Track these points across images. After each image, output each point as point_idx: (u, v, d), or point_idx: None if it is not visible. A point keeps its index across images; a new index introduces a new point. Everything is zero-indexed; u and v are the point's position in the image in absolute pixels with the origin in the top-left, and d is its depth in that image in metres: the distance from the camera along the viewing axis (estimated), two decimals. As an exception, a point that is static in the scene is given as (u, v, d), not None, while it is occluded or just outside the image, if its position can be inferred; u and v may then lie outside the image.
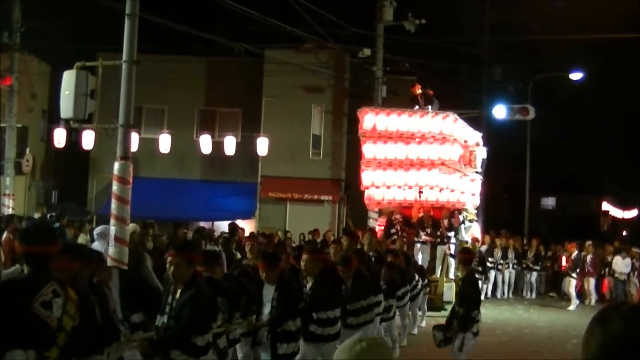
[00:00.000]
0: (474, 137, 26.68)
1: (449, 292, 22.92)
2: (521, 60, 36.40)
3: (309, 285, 10.94)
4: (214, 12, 22.63)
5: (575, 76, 37.41)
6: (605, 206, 68.05)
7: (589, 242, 30.96)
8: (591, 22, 33.54)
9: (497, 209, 37.83)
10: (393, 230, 23.46)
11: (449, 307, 20.64)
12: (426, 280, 19.97)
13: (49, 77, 31.79)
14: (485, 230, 30.53)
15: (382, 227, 24.20)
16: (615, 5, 32.59)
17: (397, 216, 24.15)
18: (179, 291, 8.06)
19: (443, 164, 23.85)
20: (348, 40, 28.59)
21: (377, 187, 24.58)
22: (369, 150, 24.46)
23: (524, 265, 29.55)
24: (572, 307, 26.28)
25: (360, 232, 20.49)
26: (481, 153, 26.89)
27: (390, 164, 24.24)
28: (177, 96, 33.75)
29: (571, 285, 27.26)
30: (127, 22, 16.32)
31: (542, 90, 38.52)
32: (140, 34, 16.56)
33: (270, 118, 32.48)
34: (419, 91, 25.58)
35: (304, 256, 11.06)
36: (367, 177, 24.59)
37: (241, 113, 34.56)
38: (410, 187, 24.15)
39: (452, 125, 24.16)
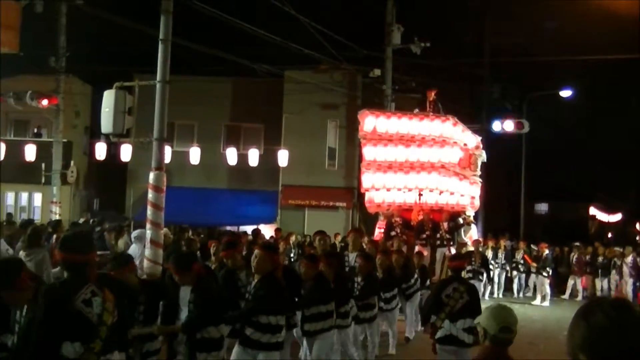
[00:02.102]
0: (474, 140, 25.05)
1: None
2: (518, 79, 36.40)
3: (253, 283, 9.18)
4: (239, 37, 22.58)
5: (565, 93, 37.58)
6: (593, 211, 67.64)
7: (577, 244, 30.77)
8: (580, 44, 33.44)
9: (495, 215, 37.55)
10: (393, 233, 21.47)
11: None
12: (428, 282, 18.31)
13: (91, 97, 31.92)
14: (484, 235, 30.21)
15: (383, 230, 22.35)
16: (602, 30, 32.49)
17: (397, 219, 22.19)
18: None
19: (443, 166, 22.22)
20: (360, 62, 28.55)
21: (377, 190, 22.83)
22: (369, 152, 22.72)
23: (513, 266, 27.87)
24: (544, 303, 25.49)
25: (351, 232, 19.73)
26: (481, 156, 25.54)
27: (390, 167, 22.47)
28: (205, 113, 33.79)
29: (544, 282, 26.41)
30: (160, 47, 16.29)
31: (536, 106, 38.38)
32: (172, 57, 16.51)
33: (289, 132, 32.48)
34: (432, 97, 24.07)
35: (256, 251, 9.23)
36: (367, 179, 22.84)
37: (263, 128, 34.51)
38: (410, 190, 22.47)
39: (452, 128, 22.61)
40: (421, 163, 22.21)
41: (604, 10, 29.33)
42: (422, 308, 13.70)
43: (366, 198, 23.33)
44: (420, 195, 21.99)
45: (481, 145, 25.64)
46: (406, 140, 22.34)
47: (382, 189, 22.74)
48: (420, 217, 22.07)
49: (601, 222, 69.73)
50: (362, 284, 12.57)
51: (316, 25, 23.55)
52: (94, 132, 29.68)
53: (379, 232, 22.45)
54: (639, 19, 29.66)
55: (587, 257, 29.05)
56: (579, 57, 33.22)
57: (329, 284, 10.84)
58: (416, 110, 23.62)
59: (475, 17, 36.20)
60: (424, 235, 21.73)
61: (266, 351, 8.66)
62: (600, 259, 28.34)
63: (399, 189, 22.54)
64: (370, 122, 22.58)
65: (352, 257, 13.84)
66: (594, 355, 2.65)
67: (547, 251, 27.35)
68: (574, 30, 36.63)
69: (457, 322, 10.00)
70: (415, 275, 16.75)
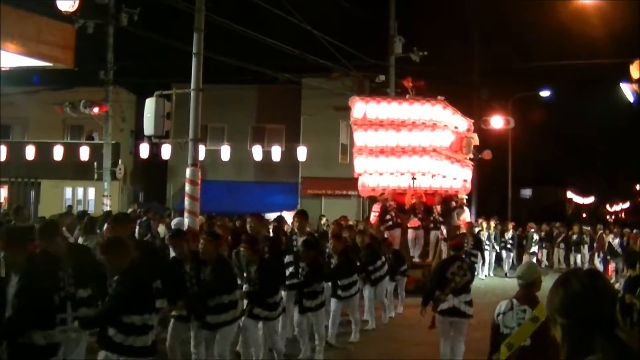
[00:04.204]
0: (465, 123, 22.63)
1: None
2: (503, 82, 36.32)
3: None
4: (263, 49, 22.43)
5: (545, 94, 37.54)
6: (569, 194, 67.38)
7: (558, 224, 30.58)
8: (555, 52, 33.28)
9: (486, 199, 37.36)
10: (388, 217, 19.46)
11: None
12: (405, 265, 15.87)
13: (135, 104, 31.83)
14: (477, 217, 29.90)
15: (377, 214, 19.97)
16: (578, 39, 32.37)
17: (391, 203, 19.88)
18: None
19: (434, 150, 19.84)
20: (367, 69, 28.28)
21: (370, 174, 20.52)
22: (360, 138, 20.30)
23: (502, 246, 26.30)
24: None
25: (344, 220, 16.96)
26: (473, 139, 23.33)
27: (382, 151, 20.09)
28: (234, 116, 33.64)
29: (507, 256, 25.94)
30: (194, 60, 16.22)
31: (520, 105, 38.18)
32: (205, 68, 16.41)
33: (307, 131, 32.36)
34: (410, 84, 22.17)
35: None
36: (359, 164, 20.51)
37: (284, 128, 34.36)
38: (402, 174, 20.05)
39: (442, 111, 20.12)
40: (412, 147, 19.97)
41: (578, 23, 29.12)
42: (425, 286, 11.52)
43: (359, 183, 21.24)
44: (413, 179, 19.81)
45: (472, 128, 23.70)
46: (397, 124, 20.04)
47: (375, 174, 20.55)
48: (414, 201, 19.99)
49: (577, 204, 69.53)
50: (306, 269, 10.51)
51: (329, 39, 23.45)
52: (138, 135, 29.54)
53: (374, 216, 20.33)
54: (608, 32, 29.52)
55: (542, 234, 28.82)
56: (555, 63, 33.12)
57: (231, 270, 8.96)
58: (407, 96, 21.67)
59: (466, 29, 36.05)
60: (417, 219, 19.73)
61: (132, 357, 6.39)
62: (574, 236, 28.11)
63: (392, 173, 20.34)
64: (360, 108, 20.39)
65: (300, 242, 11.19)
66: (570, 317, 2.68)
67: (531, 231, 27.09)
68: (551, 40, 36.51)
69: (461, 296, 9.60)
70: (383, 259, 14.21)
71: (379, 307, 14.40)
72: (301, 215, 12.01)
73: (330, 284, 11.84)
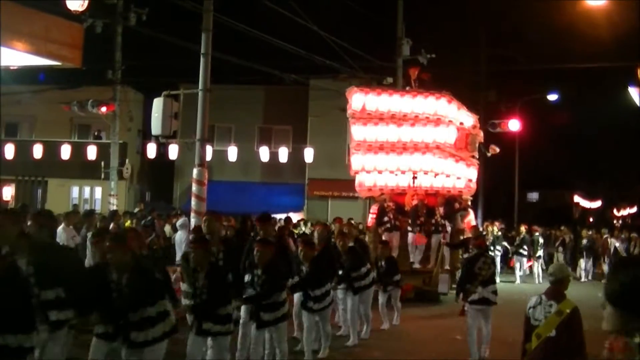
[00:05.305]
0: (470, 119, 20.85)
1: (444, 283, 17.52)
2: (510, 85, 36.22)
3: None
4: (270, 50, 22.45)
5: (552, 97, 37.35)
6: (576, 199, 67.16)
7: (563, 227, 30.49)
8: (563, 55, 33.18)
9: (492, 203, 37.29)
10: (386, 219, 18.32)
11: (444, 299, 17.55)
12: (399, 275, 14.19)
13: (143, 104, 31.94)
14: (483, 220, 29.79)
15: (374, 216, 18.77)
16: (582, 44, 32.31)
17: (390, 204, 18.61)
18: None
19: (438, 147, 18.13)
20: (374, 71, 28.25)
21: (368, 172, 18.81)
22: (358, 132, 18.44)
23: (513, 250, 25.65)
24: (517, 281, 23.68)
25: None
26: (478, 136, 21.81)
27: (381, 147, 18.29)
28: (241, 116, 33.72)
29: (518, 261, 25.01)
30: (202, 60, 16.20)
31: (527, 108, 38.09)
32: (212, 68, 16.40)
33: (314, 133, 32.44)
34: (415, 75, 20.73)
35: None
36: (357, 161, 18.70)
37: (292, 129, 34.39)
38: (403, 172, 18.43)
39: (447, 106, 18.37)
40: (414, 143, 18.19)
41: (586, 26, 29.02)
42: (457, 283, 12.07)
43: (356, 182, 19.56)
44: (414, 178, 18.31)
45: (478, 125, 21.97)
46: (398, 118, 18.26)
47: (373, 172, 18.85)
48: (415, 202, 18.59)
49: (584, 208, 69.30)
50: (262, 277, 8.74)
51: (337, 40, 23.51)
52: (146, 134, 29.57)
53: (371, 217, 19.21)
54: (616, 35, 29.43)
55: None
56: (562, 66, 33.01)
57: (152, 277, 7.30)
58: (408, 88, 20.30)
59: (473, 32, 36.00)
60: (419, 222, 18.34)
61: None
62: (584, 241, 27.71)
63: (391, 172, 18.66)
64: (359, 99, 18.49)
65: None
66: (616, 304, 2.76)
67: (536, 234, 26.79)
68: (559, 43, 36.45)
69: (487, 287, 11.03)
70: (368, 265, 12.73)
71: (376, 318, 13.44)
72: (263, 222, 10.55)
73: (301, 295, 10.64)
